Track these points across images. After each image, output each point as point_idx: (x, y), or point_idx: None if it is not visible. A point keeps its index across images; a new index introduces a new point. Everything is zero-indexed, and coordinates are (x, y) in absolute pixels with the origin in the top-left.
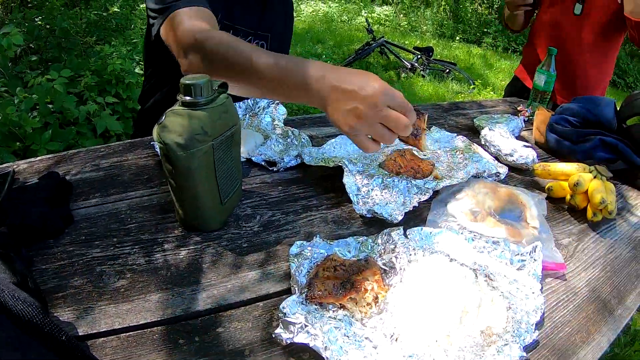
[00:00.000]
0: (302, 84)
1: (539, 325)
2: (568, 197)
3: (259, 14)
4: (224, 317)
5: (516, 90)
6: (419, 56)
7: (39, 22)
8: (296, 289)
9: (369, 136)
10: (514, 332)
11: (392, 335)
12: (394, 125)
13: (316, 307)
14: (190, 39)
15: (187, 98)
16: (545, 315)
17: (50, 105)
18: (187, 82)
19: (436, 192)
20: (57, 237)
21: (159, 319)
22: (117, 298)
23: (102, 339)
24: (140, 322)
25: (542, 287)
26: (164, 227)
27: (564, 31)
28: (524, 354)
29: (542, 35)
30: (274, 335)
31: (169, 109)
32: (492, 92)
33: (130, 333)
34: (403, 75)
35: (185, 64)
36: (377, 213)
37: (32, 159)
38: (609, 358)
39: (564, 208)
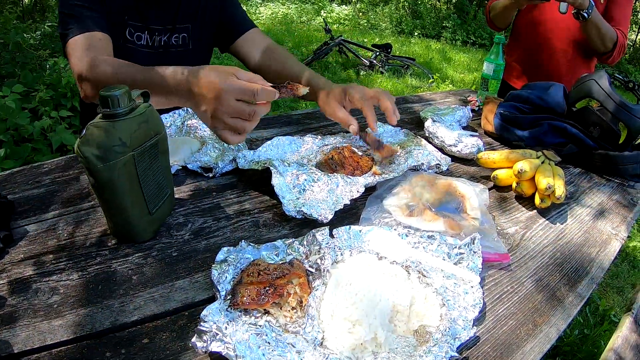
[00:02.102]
0: (172, 92)
1: (478, 320)
2: (514, 184)
3: (174, 9)
4: (150, 328)
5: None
6: (378, 53)
7: None
8: (219, 296)
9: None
10: (446, 330)
11: (315, 340)
12: (240, 115)
13: (240, 313)
14: (80, 70)
15: (106, 110)
16: (487, 309)
17: (3, 123)
18: (104, 93)
19: (373, 188)
20: None
21: (87, 332)
22: (50, 314)
23: (36, 355)
24: (70, 337)
25: (483, 280)
26: (99, 240)
27: (550, 29)
28: (455, 353)
29: (527, 34)
30: (190, 344)
31: (90, 122)
32: (450, 85)
33: (61, 348)
34: (362, 72)
35: (81, 92)
36: (306, 213)
37: None
38: (578, 340)
39: (512, 196)
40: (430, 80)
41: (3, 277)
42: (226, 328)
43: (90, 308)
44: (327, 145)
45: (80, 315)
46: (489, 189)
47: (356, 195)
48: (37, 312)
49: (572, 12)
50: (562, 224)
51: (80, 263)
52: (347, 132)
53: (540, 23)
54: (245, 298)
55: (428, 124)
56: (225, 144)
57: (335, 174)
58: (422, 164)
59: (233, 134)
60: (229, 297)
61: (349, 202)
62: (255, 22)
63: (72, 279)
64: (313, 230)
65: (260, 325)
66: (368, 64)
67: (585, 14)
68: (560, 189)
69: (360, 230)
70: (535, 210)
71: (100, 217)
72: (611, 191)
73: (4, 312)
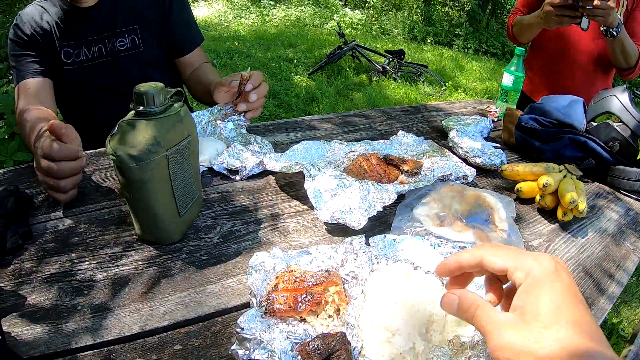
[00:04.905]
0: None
1: None
2: (538, 197)
3: (111, 15)
4: (182, 334)
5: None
6: (391, 59)
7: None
8: (254, 302)
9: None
10: (482, 340)
11: (354, 349)
12: (47, 173)
13: (275, 321)
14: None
15: (140, 107)
16: None
17: (14, 115)
18: (139, 90)
19: (402, 197)
20: (15, 254)
21: (115, 337)
22: (74, 316)
23: (60, 359)
24: (97, 341)
25: None
26: (123, 241)
27: (572, 43)
28: None
29: (548, 48)
30: (230, 352)
31: (122, 119)
32: (463, 94)
33: (87, 352)
34: (375, 78)
35: None
36: (339, 219)
37: None
38: None
39: (534, 209)
40: (442, 88)
41: (22, 274)
42: (263, 335)
43: (117, 311)
44: (353, 151)
45: (106, 318)
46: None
47: (389, 202)
48: (59, 314)
49: (601, 29)
50: (583, 237)
51: (104, 263)
52: (371, 139)
53: (561, 37)
54: (281, 305)
55: (453, 134)
56: (249, 146)
57: (365, 180)
58: (450, 174)
59: (55, 192)
60: (264, 304)
61: (381, 209)
62: (267, 24)
63: (96, 279)
64: (349, 238)
65: (299, 334)
66: (381, 69)
67: (615, 32)
68: (582, 204)
69: (394, 239)
70: (557, 224)
71: (123, 216)
72: (629, 206)
73: (24, 311)
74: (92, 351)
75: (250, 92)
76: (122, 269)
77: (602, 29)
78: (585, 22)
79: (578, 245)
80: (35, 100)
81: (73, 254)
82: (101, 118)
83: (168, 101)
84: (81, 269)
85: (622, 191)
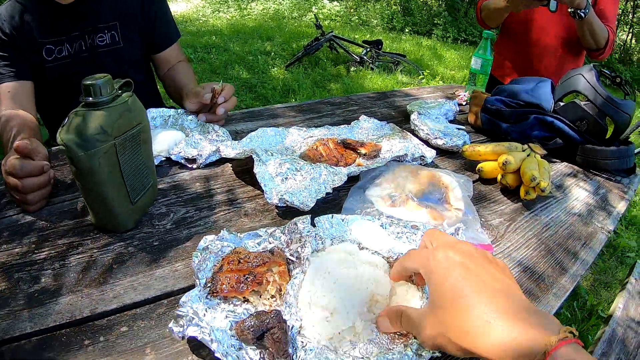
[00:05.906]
0: None
1: None
2: (499, 177)
3: (93, 10)
4: (129, 316)
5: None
6: (369, 49)
7: None
8: (199, 283)
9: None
10: None
11: (293, 328)
12: (12, 187)
13: (219, 301)
14: None
15: (88, 99)
16: None
17: None
18: (87, 82)
19: (356, 179)
20: None
21: (67, 321)
22: (31, 303)
23: (15, 343)
24: (50, 325)
25: None
26: (81, 230)
27: (541, 27)
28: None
29: (517, 32)
30: (167, 329)
31: (72, 111)
32: (440, 82)
33: (42, 336)
34: (352, 69)
35: None
36: (288, 201)
37: None
38: None
39: (497, 189)
40: (420, 77)
41: None
42: (204, 315)
43: (70, 296)
44: (311, 137)
45: (60, 303)
46: (474, 182)
47: (339, 183)
48: (18, 301)
49: (569, 10)
50: (547, 216)
51: (62, 252)
52: (332, 125)
53: (530, 21)
54: (224, 285)
55: (414, 117)
56: (208, 135)
57: (319, 163)
58: (406, 155)
59: (23, 204)
60: (208, 285)
61: (331, 191)
62: (246, 17)
63: (53, 267)
64: (295, 219)
65: (238, 313)
66: (359, 60)
67: (582, 14)
68: (545, 182)
69: (342, 219)
70: (520, 203)
71: (83, 207)
72: (597, 185)
73: None
74: (45, 335)
75: (219, 106)
76: (77, 257)
77: (569, 10)
78: (553, 4)
79: (542, 223)
80: (14, 104)
81: (33, 245)
82: None
83: (116, 92)
84: (40, 259)
85: (592, 170)
